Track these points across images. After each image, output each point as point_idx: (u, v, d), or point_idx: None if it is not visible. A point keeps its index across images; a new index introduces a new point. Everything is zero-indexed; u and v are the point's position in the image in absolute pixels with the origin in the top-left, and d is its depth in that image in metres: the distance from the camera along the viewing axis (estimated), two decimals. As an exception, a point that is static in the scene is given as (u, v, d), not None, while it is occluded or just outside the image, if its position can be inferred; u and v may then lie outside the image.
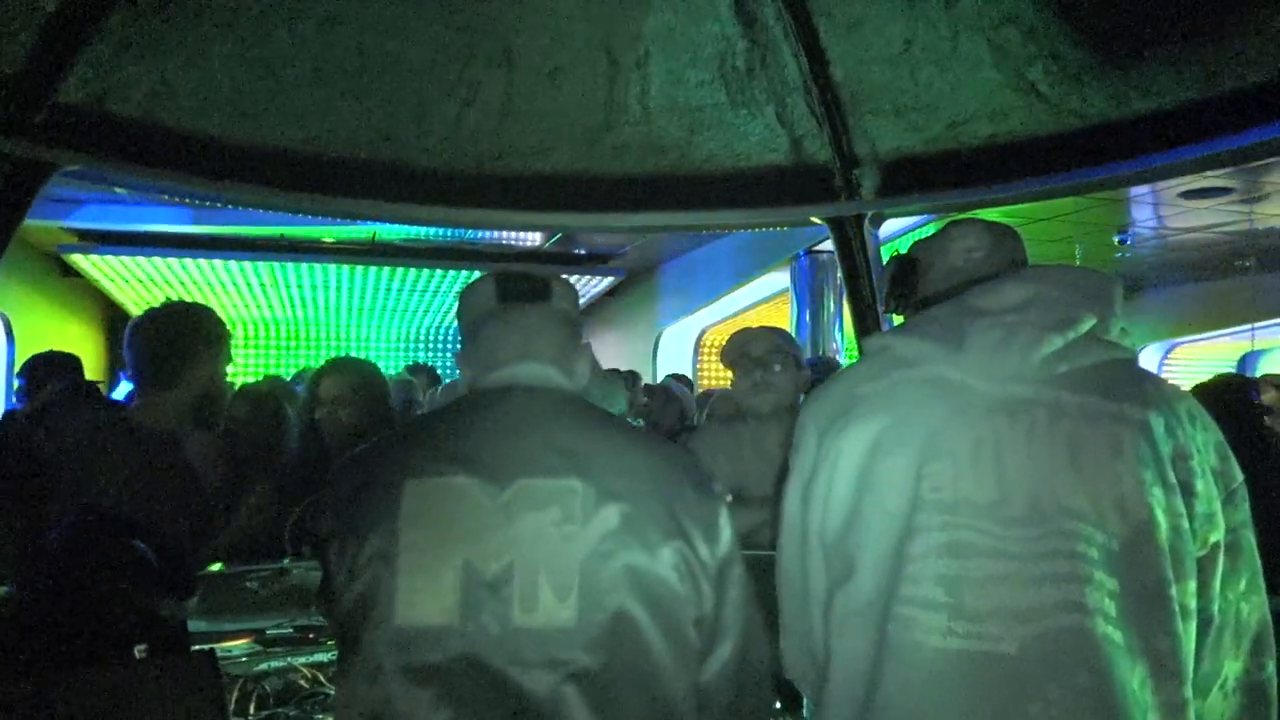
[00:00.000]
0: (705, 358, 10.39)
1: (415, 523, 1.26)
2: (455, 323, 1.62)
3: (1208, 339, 12.08)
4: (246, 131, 2.54)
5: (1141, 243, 9.64)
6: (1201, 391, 4.15)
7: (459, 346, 1.52)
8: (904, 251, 1.57)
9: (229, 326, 2.67)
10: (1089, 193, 3.08)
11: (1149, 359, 11.68)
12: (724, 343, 3.16)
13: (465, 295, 1.52)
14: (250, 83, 2.45)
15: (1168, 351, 12.68)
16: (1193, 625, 1.26)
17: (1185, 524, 1.25)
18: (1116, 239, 9.14)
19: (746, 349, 2.98)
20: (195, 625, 2.08)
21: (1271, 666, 1.35)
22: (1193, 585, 1.25)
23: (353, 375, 3.01)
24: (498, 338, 1.42)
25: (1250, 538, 1.34)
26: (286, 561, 2.53)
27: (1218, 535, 1.29)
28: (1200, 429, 1.32)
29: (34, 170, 2.19)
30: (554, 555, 1.25)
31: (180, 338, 2.47)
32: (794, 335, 4.93)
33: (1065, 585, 1.22)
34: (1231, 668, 1.33)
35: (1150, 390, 1.34)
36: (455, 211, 2.83)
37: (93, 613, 1.89)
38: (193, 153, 2.46)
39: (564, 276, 1.57)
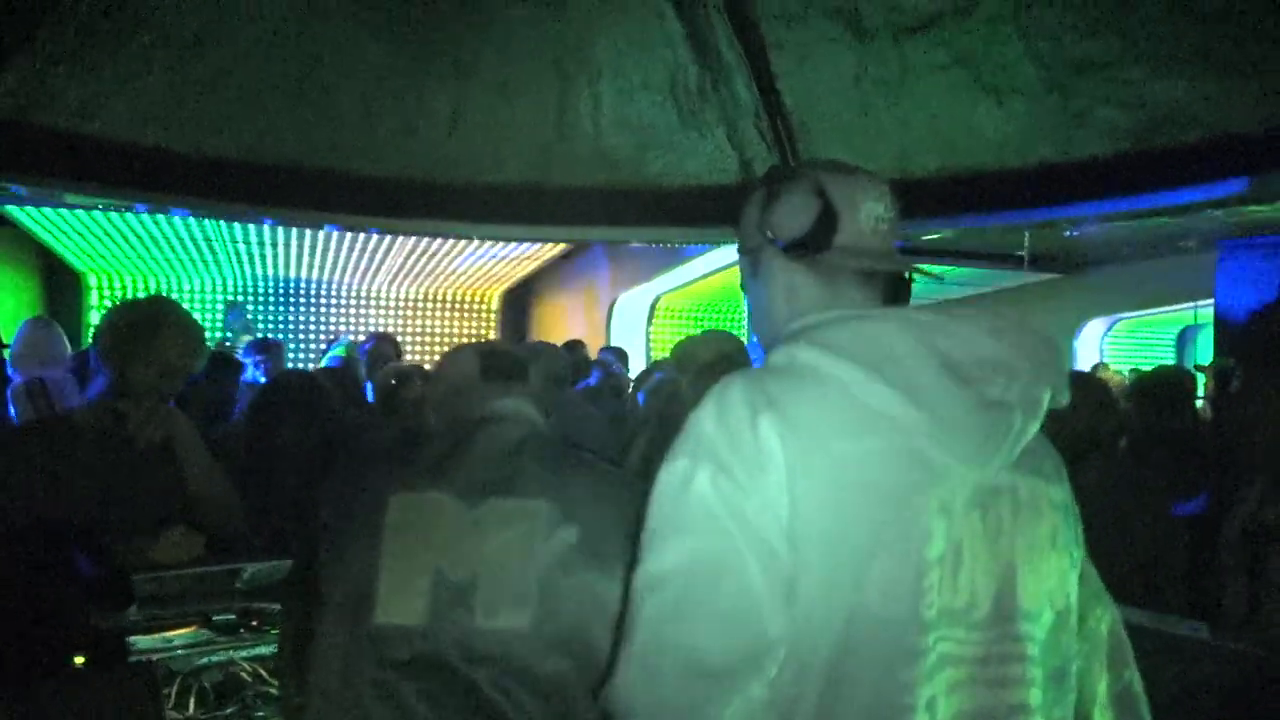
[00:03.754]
0: (659, 324, 10.40)
1: (397, 533, 1.41)
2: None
3: (1150, 313, 12.36)
4: (185, 143, 2.48)
5: (1089, 223, 9.79)
6: (1142, 391, 4.29)
7: (432, 403, 1.66)
8: (801, 178, 1.31)
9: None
10: (1034, 228, 3.12)
11: (1094, 331, 11.93)
12: (672, 346, 3.18)
13: (447, 363, 1.66)
14: (188, 95, 2.38)
15: (1111, 325, 12.97)
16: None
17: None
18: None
19: (695, 353, 3.00)
20: (145, 611, 2.11)
21: (1129, 673, 1.39)
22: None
23: None
24: (476, 398, 1.56)
25: (1087, 560, 1.37)
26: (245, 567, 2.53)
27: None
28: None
29: (-42, 188, 2.12)
30: (516, 567, 1.38)
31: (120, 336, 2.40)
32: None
33: (1015, 688, 1.22)
34: (1100, 687, 1.38)
35: (1057, 457, 1.32)
36: (404, 222, 2.81)
37: (30, 624, 1.90)
38: (127, 165, 2.39)
39: (548, 351, 1.69)
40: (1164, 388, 4.15)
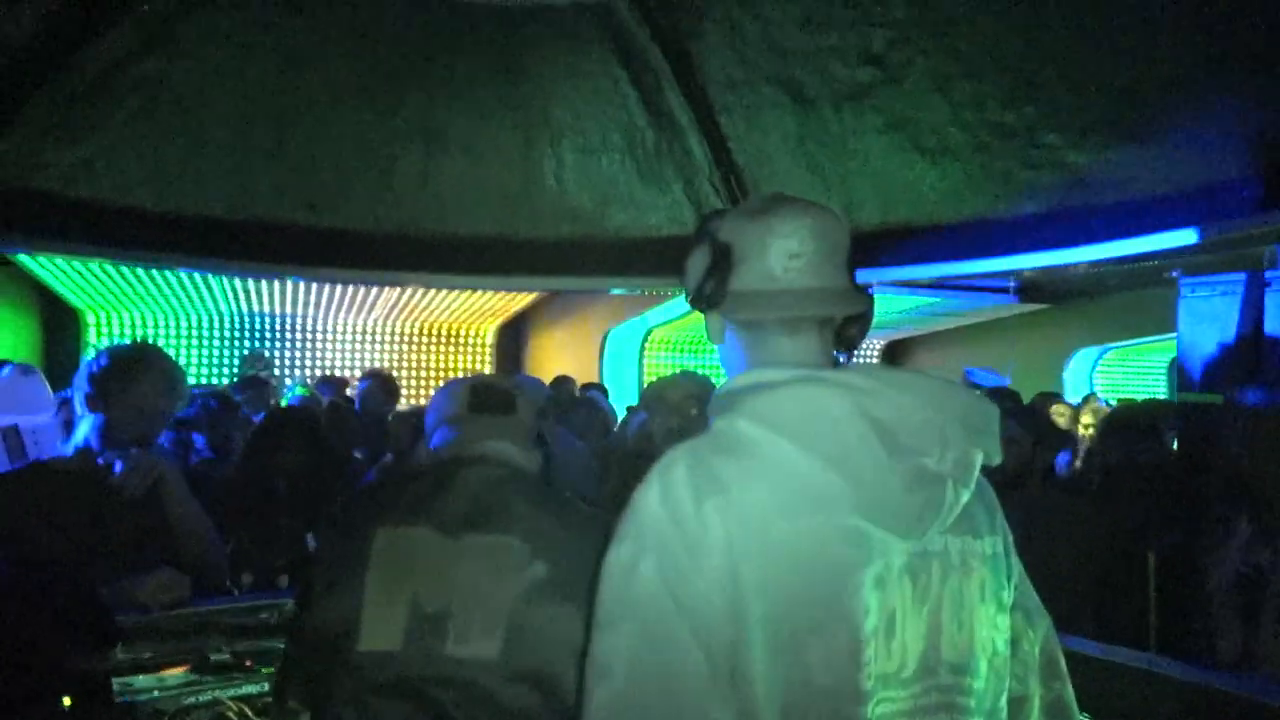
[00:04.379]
0: (651, 357, 10.52)
1: (381, 564, 1.50)
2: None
3: (1140, 342, 12.47)
4: (170, 202, 2.63)
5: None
6: (1110, 425, 4.38)
7: (424, 436, 1.75)
8: (709, 231, 1.30)
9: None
10: (976, 275, 3.27)
11: (1084, 362, 12.03)
12: (645, 386, 3.30)
13: (440, 398, 1.75)
14: (172, 157, 2.54)
15: (1101, 355, 13.06)
16: None
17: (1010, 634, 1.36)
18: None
19: (664, 394, 3.13)
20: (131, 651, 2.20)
21: (1060, 685, 1.43)
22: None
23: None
24: (466, 431, 1.66)
25: (1024, 580, 1.42)
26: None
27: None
28: (1004, 518, 1.37)
29: (-45, 250, 2.26)
30: (487, 598, 1.46)
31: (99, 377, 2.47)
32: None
33: None
34: (1034, 701, 1.42)
35: (990, 508, 1.35)
36: (376, 273, 2.95)
37: (16, 664, 1.99)
38: (115, 225, 2.55)
39: (530, 385, 1.78)
40: (1132, 422, 4.25)
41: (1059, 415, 6.55)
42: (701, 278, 1.27)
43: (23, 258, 7.59)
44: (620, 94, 2.61)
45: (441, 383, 9.84)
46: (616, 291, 4.96)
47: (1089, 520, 3.37)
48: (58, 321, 8.67)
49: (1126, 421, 4.26)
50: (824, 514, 1.16)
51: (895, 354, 12.54)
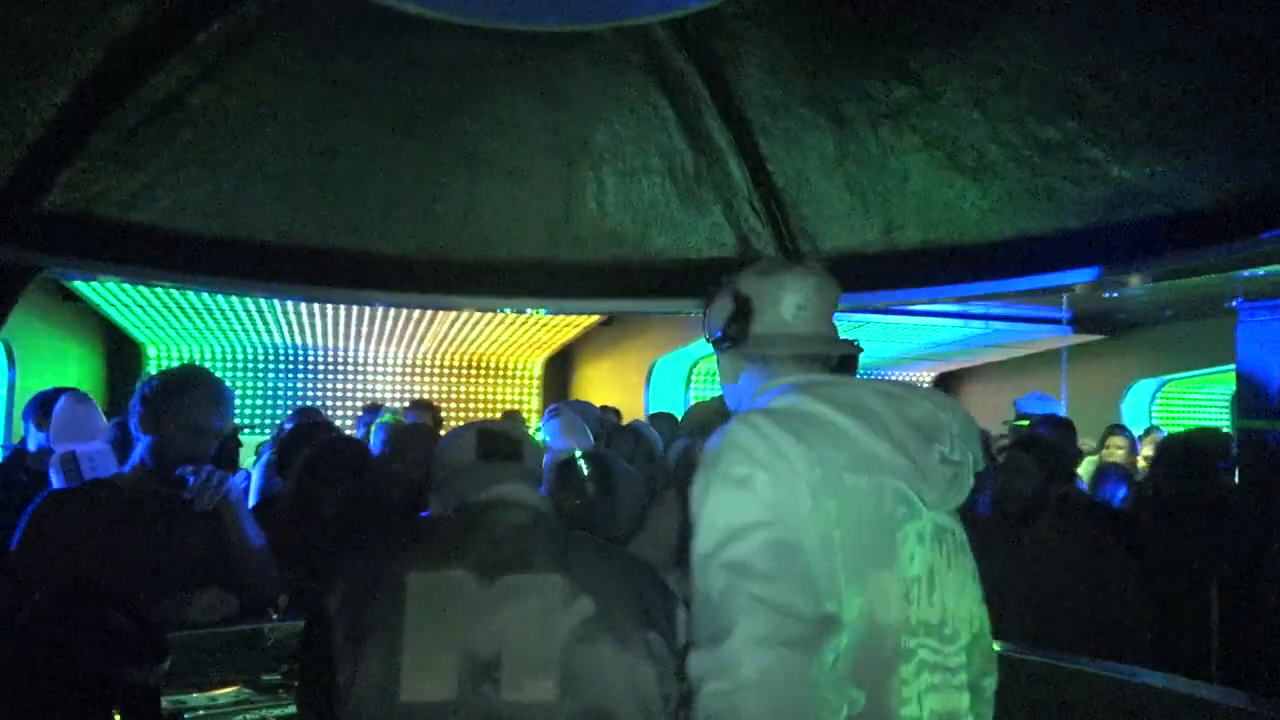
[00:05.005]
0: (698, 386, 10.52)
1: (418, 611, 1.44)
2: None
3: (1200, 373, 12.16)
4: (222, 227, 2.72)
5: (1130, 285, 9.74)
6: (1159, 456, 4.27)
7: (432, 484, 1.74)
8: (727, 283, 1.63)
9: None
10: (1017, 292, 3.27)
11: (1142, 394, 11.76)
12: (687, 410, 3.31)
13: (446, 445, 1.75)
14: (226, 186, 2.63)
15: (1160, 386, 12.76)
16: None
17: None
18: (1103, 280, 9.21)
19: (704, 419, 3.14)
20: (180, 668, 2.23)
21: (994, 681, 1.66)
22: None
23: None
24: (476, 478, 1.64)
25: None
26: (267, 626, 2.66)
27: None
28: None
29: (18, 272, 2.36)
30: (537, 640, 1.44)
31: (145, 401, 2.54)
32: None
33: (964, 693, 1.49)
34: (992, 689, 1.65)
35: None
36: (421, 297, 3.01)
37: (68, 677, 2.04)
38: (171, 250, 2.64)
39: (578, 408, 1.80)
40: (1186, 452, 4.13)
41: (1116, 449, 6.40)
42: (726, 323, 1.59)
43: (90, 294, 7.87)
44: (660, 118, 2.64)
45: (488, 414, 9.93)
46: (659, 313, 4.98)
47: (1076, 547, 3.32)
48: (121, 354, 8.97)
49: (1179, 452, 4.15)
50: (879, 474, 1.41)
51: (946, 386, 12.37)
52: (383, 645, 1.42)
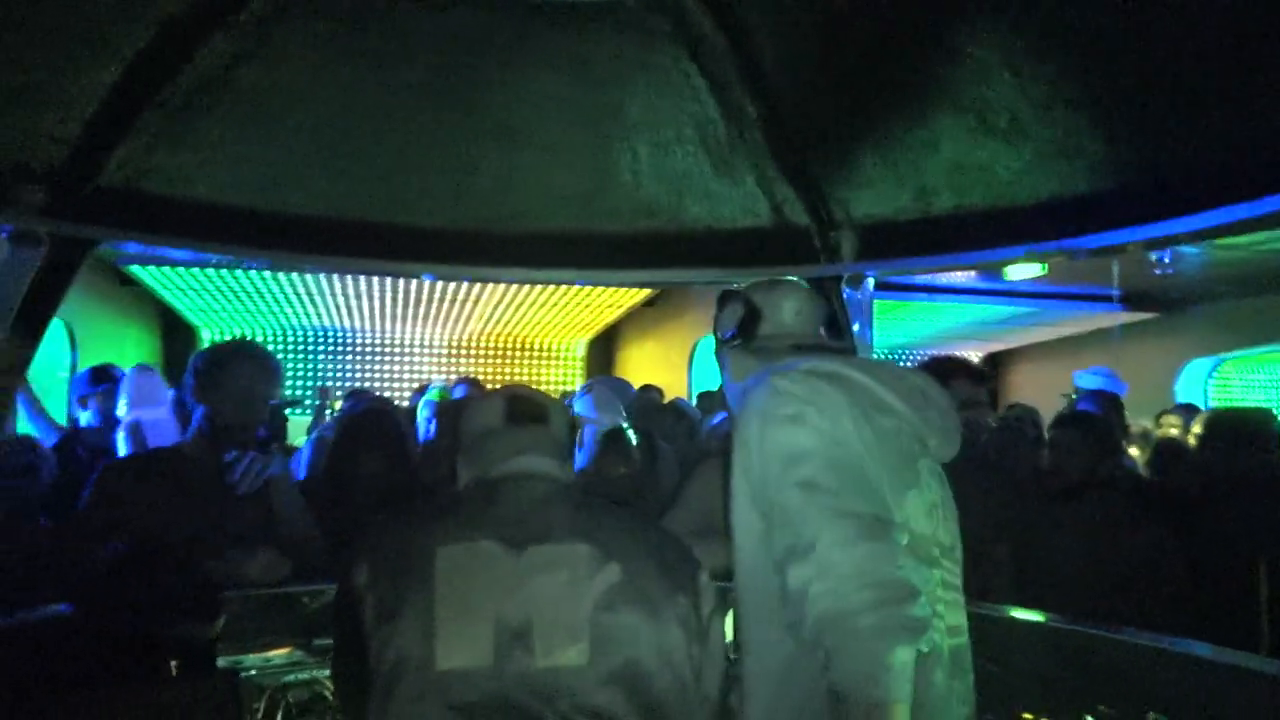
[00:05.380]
0: (740, 368, 10.48)
1: (450, 582, 1.49)
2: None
3: (1257, 352, 11.85)
4: (268, 202, 2.80)
5: (1183, 260, 9.52)
6: (1207, 433, 4.20)
7: (460, 449, 1.76)
8: (737, 293, 1.95)
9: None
10: (1048, 260, 3.23)
11: (1197, 373, 11.50)
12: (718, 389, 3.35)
13: (473, 409, 1.79)
14: (270, 160, 2.71)
15: (1215, 366, 12.47)
16: None
17: None
18: (1154, 256, 9.03)
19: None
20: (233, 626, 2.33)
21: None
22: None
23: None
24: (502, 443, 1.68)
25: None
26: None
27: None
28: None
29: (76, 247, 2.47)
30: (566, 607, 1.49)
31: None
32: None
33: (964, 610, 1.73)
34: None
35: None
36: (459, 268, 3.07)
37: (130, 632, 2.14)
38: (219, 224, 2.73)
39: (561, 405, 1.84)
40: (1234, 428, 4.05)
41: (1170, 426, 6.29)
42: (738, 326, 1.89)
43: (146, 278, 8.11)
44: (691, 87, 2.66)
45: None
46: (695, 284, 5.02)
47: (1190, 529, 3.28)
48: (176, 336, 9.23)
49: (1228, 427, 4.07)
50: (895, 420, 1.66)
51: (996, 366, 12.22)
52: (416, 617, 1.46)
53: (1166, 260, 9.31)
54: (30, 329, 2.42)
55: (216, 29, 2.27)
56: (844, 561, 1.43)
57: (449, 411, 5.01)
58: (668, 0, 2.36)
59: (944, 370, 3.41)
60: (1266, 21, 1.89)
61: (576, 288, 8.25)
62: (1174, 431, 6.21)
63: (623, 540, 1.58)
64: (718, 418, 4.47)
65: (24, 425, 4.96)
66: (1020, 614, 2.53)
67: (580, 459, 3.44)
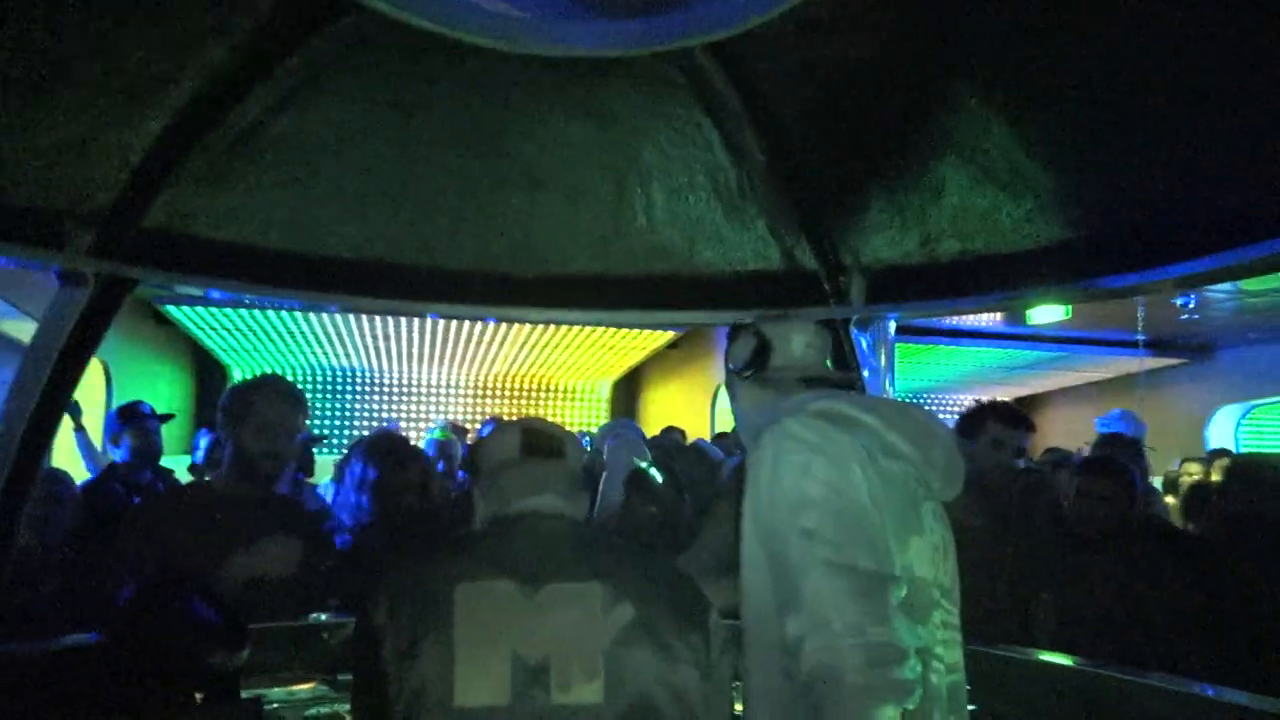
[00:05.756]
0: (762, 410, 10.53)
1: (468, 619, 1.52)
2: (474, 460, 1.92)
3: (1288, 400, 11.70)
4: (301, 244, 2.94)
5: (1211, 305, 9.49)
6: (1228, 476, 4.20)
7: (478, 480, 1.82)
8: (749, 326, 2.02)
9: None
10: (1050, 303, 3.30)
11: (1227, 419, 11.39)
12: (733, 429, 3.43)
13: (490, 441, 1.84)
14: (303, 205, 2.85)
15: (1247, 411, 12.33)
16: None
17: None
18: (1178, 301, 9.02)
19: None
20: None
21: None
22: None
23: None
24: (518, 479, 1.73)
25: None
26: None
27: None
28: None
29: (120, 286, 2.61)
30: (582, 645, 1.52)
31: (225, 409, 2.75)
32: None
33: (960, 647, 1.77)
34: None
35: None
36: (483, 309, 3.19)
37: (158, 663, 2.22)
38: (255, 264, 2.87)
39: (576, 437, 1.88)
40: (1257, 472, 4.05)
41: (1189, 474, 6.27)
42: (750, 358, 1.96)
43: (181, 318, 8.34)
44: (704, 137, 2.78)
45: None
46: (707, 325, 5.11)
47: (1213, 573, 3.28)
48: (209, 375, 9.46)
49: (1251, 471, 4.07)
50: (902, 463, 1.71)
51: (1023, 410, 12.14)
52: (435, 654, 1.49)
53: (1191, 305, 9.29)
54: (74, 365, 2.55)
55: (259, 81, 2.42)
56: (837, 618, 1.48)
57: (451, 449, 5.14)
58: (681, 54, 2.48)
59: (979, 411, 3.48)
60: (1262, 67, 1.95)
61: (600, 330, 8.38)
62: (1196, 478, 6.19)
63: (636, 579, 1.62)
64: (735, 459, 4.54)
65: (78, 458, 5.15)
66: (1049, 658, 2.57)
67: (607, 498, 3.54)
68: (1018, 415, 3.57)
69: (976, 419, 3.46)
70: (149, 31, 2.15)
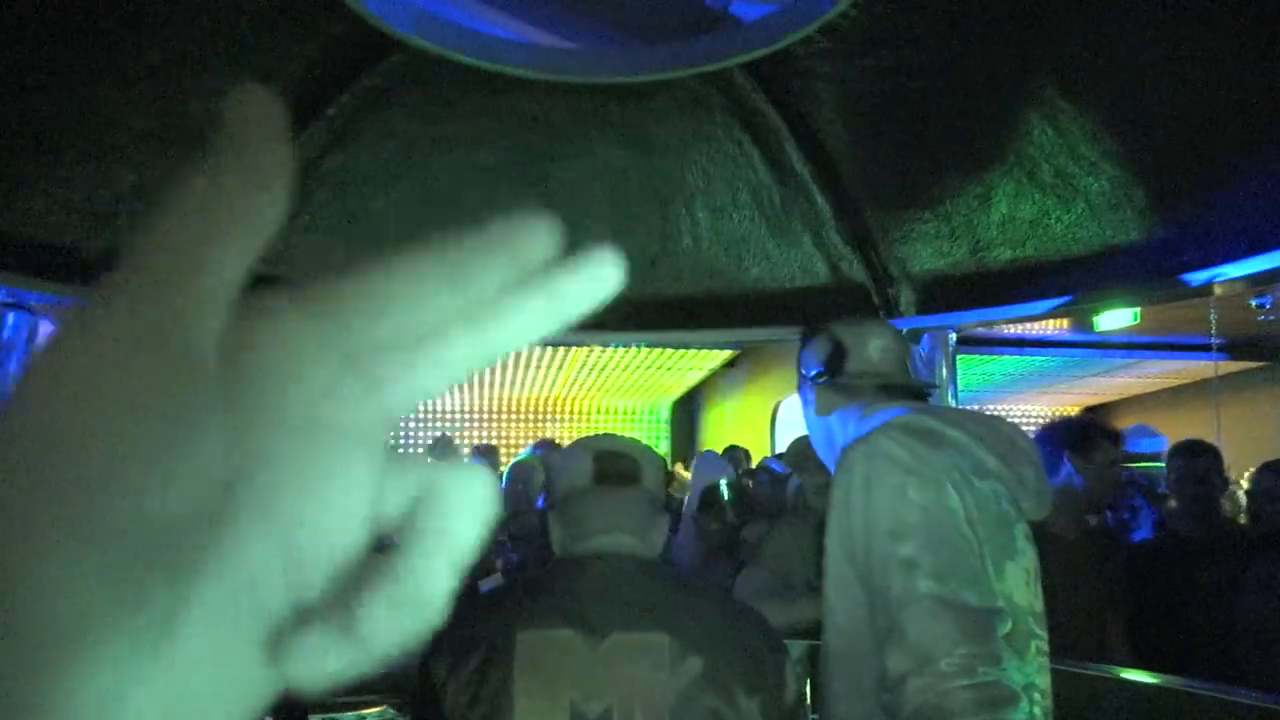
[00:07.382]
0: (822, 426, 10.43)
1: (527, 670, 1.47)
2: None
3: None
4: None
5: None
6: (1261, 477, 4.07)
7: (550, 508, 1.76)
8: (824, 330, 1.90)
9: None
10: (1104, 310, 3.23)
11: (1308, 423, 10.94)
12: (789, 443, 3.42)
13: (562, 466, 1.76)
14: (354, 238, 2.93)
15: (1331, 415, 11.82)
16: None
17: None
18: (1254, 303, 8.72)
19: (808, 452, 3.23)
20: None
21: None
22: None
23: None
24: (590, 512, 1.65)
25: None
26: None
27: None
28: None
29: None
30: (646, 699, 1.49)
31: None
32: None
33: (1049, 673, 1.65)
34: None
35: None
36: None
37: None
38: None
39: (655, 455, 1.76)
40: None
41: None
42: (825, 363, 1.84)
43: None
44: (745, 155, 2.80)
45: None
46: (757, 342, 5.09)
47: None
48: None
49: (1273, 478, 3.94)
50: (994, 481, 1.61)
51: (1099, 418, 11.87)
52: (495, 705, 1.45)
53: (1267, 305, 8.98)
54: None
55: (313, 121, 2.51)
56: (943, 658, 1.40)
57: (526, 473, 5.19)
58: (717, 75, 2.51)
59: (1085, 434, 3.39)
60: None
61: (658, 350, 8.41)
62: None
63: (707, 629, 1.56)
64: (794, 484, 4.52)
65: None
66: (1130, 675, 2.49)
67: (687, 517, 3.58)
68: (1115, 432, 3.47)
69: (1088, 437, 3.37)
70: (206, 81, 2.24)
